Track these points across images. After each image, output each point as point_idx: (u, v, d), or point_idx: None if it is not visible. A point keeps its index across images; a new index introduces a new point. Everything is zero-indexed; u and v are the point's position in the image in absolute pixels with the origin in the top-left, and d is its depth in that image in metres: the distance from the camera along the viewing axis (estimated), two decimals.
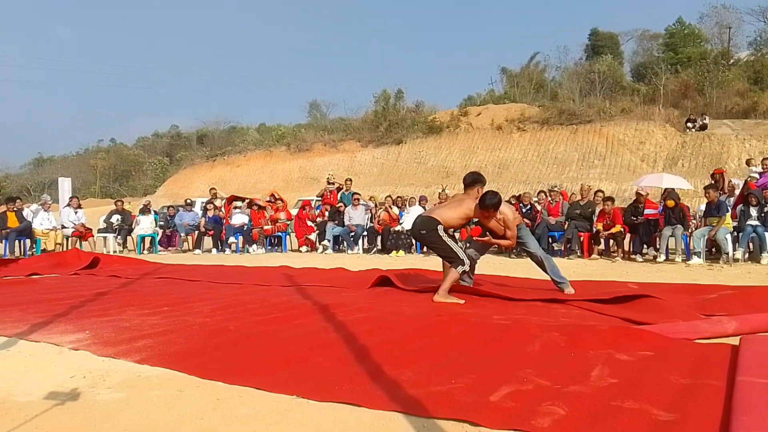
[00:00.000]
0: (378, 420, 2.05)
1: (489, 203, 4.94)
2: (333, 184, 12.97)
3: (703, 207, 9.05)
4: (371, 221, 11.75)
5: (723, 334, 3.25)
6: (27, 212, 11.82)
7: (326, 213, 12.02)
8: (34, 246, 11.01)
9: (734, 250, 8.19)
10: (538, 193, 11.48)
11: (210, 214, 12.35)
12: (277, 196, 12.92)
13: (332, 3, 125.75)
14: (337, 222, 11.64)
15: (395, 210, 11.45)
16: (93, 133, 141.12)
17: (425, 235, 5.12)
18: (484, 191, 5.17)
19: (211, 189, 14.09)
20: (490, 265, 8.22)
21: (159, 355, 2.94)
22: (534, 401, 2.16)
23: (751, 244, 8.38)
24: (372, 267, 7.17)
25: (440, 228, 5.02)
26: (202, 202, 14.12)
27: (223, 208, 12.70)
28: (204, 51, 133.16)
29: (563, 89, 40.10)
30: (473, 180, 5.31)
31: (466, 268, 4.94)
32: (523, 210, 10.35)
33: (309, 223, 12.08)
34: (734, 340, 3.05)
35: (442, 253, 5.06)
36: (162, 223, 13.40)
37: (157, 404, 2.26)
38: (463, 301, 4.69)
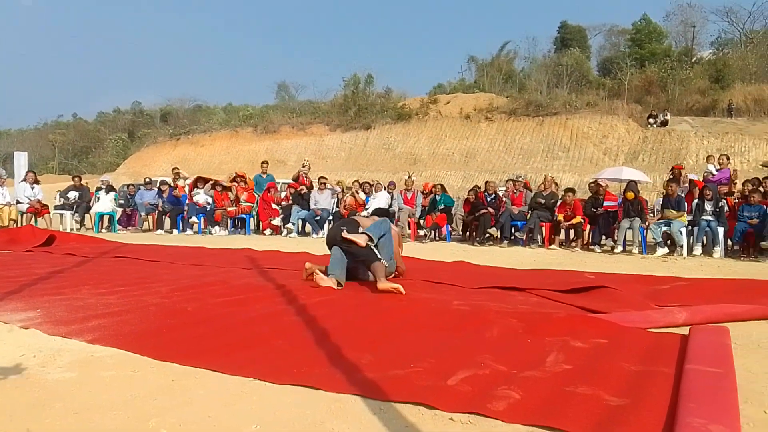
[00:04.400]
0: (335, 403, 2.05)
1: None
2: (308, 167, 12.78)
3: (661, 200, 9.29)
4: (337, 205, 11.70)
5: (674, 324, 3.35)
6: None
7: (291, 197, 11.90)
8: None
9: (689, 243, 8.45)
10: (507, 181, 11.56)
11: (165, 194, 12.09)
12: (242, 176, 12.72)
13: None
14: (302, 205, 11.56)
15: (362, 195, 11.43)
16: (53, 108, 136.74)
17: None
18: None
19: (173, 168, 13.78)
20: (454, 252, 8.30)
21: (113, 335, 2.87)
22: (490, 385, 2.18)
23: (704, 238, 8.65)
24: None
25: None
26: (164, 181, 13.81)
27: (186, 188, 12.45)
28: (171, 27, 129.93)
29: (531, 80, 40.59)
30: None
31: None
32: (488, 199, 10.47)
33: (274, 206, 11.95)
34: (684, 330, 3.15)
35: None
36: (122, 201, 13.09)
37: (110, 384, 2.21)
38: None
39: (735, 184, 9.74)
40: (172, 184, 12.44)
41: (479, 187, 11.16)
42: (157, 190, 12.62)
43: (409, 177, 12.93)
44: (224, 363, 2.43)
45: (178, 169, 13.64)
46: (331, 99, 44.43)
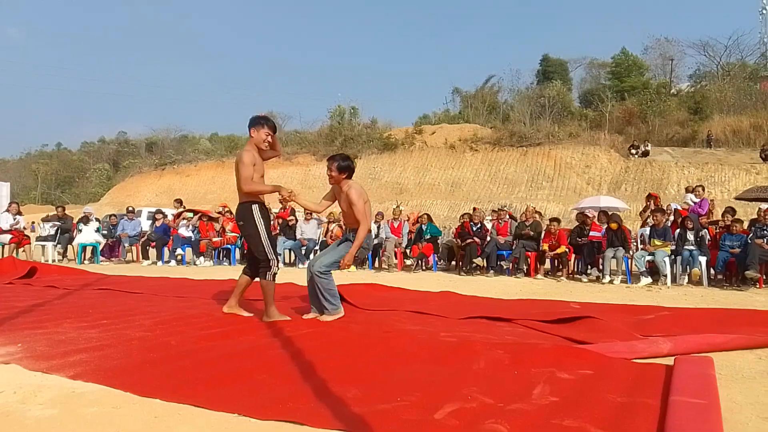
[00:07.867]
0: None
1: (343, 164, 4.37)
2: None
3: (647, 230, 9.39)
4: (323, 235, 11.68)
5: (658, 354, 3.36)
6: None
7: (278, 227, 11.88)
8: None
9: (672, 272, 8.52)
10: (491, 212, 11.68)
11: (158, 223, 12.03)
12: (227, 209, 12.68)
13: (292, 17, 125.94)
14: (288, 235, 11.53)
15: None
16: (37, 137, 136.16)
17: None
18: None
19: (176, 199, 13.63)
20: (440, 282, 8.29)
21: (95, 371, 2.82)
22: (477, 419, 2.17)
23: (688, 267, 8.74)
24: None
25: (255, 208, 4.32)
26: (149, 212, 13.72)
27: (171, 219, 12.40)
28: (157, 58, 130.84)
29: (515, 112, 41.19)
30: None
31: (277, 270, 4.37)
32: (473, 228, 10.51)
33: None
34: (669, 360, 3.16)
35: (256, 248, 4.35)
36: (105, 232, 12.95)
37: (91, 422, 2.17)
38: (290, 318, 4.36)
39: (713, 213, 9.90)
40: (170, 216, 12.35)
41: (470, 214, 11.22)
42: (150, 218, 12.55)
43: (398, 206, 12.97)
44: (208, 398, 2.39)
45: (181, 200, 13.44)
46: (318, 129, 44.67)
